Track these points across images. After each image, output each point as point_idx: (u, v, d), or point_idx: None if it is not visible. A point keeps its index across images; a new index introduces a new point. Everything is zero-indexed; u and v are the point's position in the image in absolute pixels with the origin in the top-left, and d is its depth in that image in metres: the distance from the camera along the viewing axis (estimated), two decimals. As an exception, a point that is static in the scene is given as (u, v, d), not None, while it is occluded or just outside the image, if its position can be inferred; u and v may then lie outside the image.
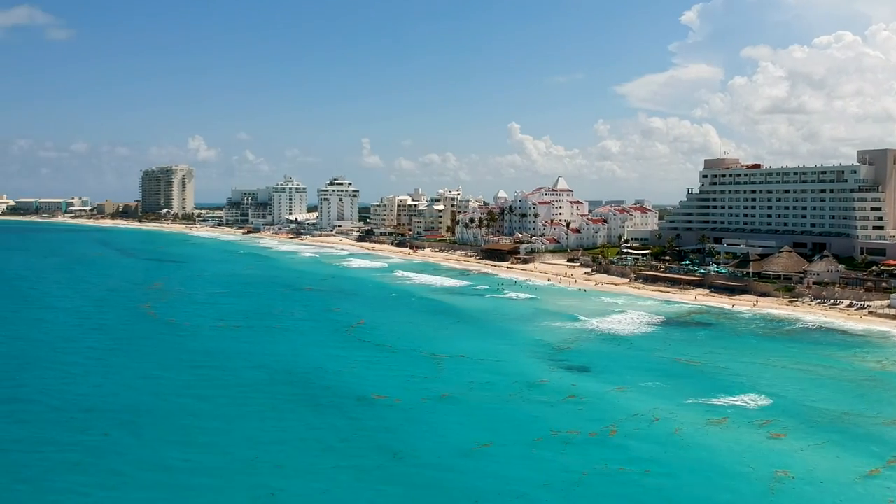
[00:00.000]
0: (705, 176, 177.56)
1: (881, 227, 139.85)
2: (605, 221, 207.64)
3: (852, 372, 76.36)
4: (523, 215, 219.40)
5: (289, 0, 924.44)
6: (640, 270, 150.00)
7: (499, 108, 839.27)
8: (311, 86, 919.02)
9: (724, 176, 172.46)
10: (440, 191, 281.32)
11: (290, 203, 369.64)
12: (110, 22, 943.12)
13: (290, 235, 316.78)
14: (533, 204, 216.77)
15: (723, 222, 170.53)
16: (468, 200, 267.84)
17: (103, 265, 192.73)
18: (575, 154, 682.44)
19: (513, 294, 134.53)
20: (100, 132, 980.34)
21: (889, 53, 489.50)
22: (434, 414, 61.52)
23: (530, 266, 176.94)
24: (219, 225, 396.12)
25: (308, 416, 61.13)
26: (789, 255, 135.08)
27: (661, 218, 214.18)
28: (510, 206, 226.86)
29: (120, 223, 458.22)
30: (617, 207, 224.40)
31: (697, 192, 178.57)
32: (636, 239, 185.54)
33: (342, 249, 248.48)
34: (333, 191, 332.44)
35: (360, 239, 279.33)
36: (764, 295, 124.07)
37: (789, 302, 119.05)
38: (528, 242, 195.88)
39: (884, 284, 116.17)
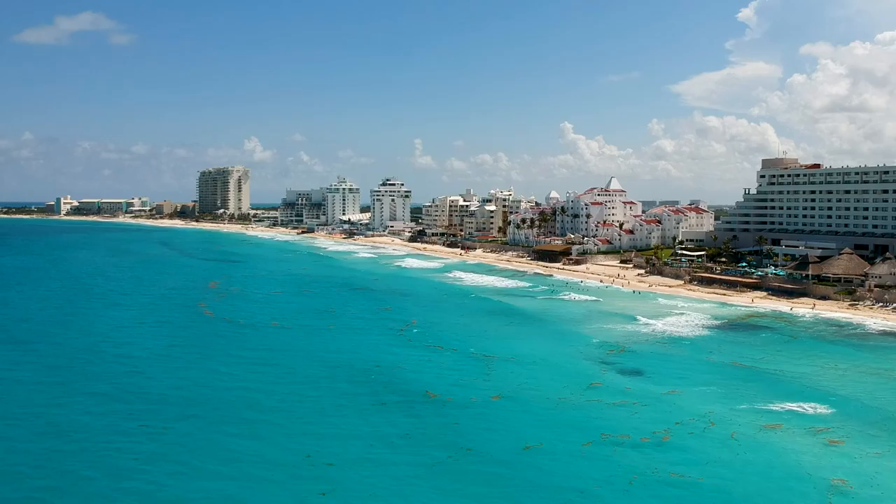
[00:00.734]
0: (763, 176, 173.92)
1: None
2: (659, 222, 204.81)
3: (916, 379, 74.15)
4: (575, 216, 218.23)
5: (346, 3, 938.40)
6: (696, 272, 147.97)
7: (551, 108, 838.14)
8: (365, 87, 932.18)
9: (782, 176, 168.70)
10: (492, 191, 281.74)
11: (344, 203, 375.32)
12: (170, 27, 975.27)
13: (344, 236, 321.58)
14: (585, 204, 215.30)
15: (781, 223, 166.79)
16: (520, 201, 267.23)
17: (167, 264, 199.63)
18: (628, 154, 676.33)
19: (569, 295, 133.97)
20: (159, 134, 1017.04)
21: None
22: (485, 413, 61.90)
23: (582, 267, 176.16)
24: (274, 225, 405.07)
25: (369, 412, 62.61)
26: (850, 257, 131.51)
27: (716, 219, 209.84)
28: (562, 207, 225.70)
29: (178, 223, 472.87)
30: (671, 208, 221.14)
31: (755, 192, 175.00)
32: (691, 240, 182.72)
33: (395, 250, 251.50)
34: (386, 191, 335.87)
35: (412, 239, 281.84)
36: (823, 298, 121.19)
37: (850, 305, 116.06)
38: (581, 243, 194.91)
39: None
